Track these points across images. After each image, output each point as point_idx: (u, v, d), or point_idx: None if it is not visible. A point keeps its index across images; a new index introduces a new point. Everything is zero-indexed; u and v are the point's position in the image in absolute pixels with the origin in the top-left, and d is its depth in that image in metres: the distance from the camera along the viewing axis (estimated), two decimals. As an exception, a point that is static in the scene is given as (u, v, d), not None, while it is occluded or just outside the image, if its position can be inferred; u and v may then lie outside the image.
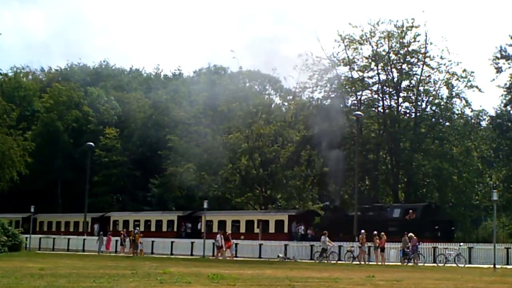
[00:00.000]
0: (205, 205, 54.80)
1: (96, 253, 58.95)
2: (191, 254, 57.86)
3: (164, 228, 67.61)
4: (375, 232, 47.18)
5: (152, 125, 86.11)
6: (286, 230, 59.11)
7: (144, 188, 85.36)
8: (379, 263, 44.88)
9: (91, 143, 71.41)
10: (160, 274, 23.69)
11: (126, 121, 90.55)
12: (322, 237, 48.84)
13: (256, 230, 61.07)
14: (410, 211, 51.94)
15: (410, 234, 45.19)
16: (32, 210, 67.28)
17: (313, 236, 57.07)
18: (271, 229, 60.46)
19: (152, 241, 62.27)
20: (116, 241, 62.18)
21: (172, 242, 61.54)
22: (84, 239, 65.90)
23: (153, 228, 68.29)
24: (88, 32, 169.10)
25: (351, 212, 57.10)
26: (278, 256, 50.91)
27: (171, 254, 58.90)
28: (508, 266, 40.85)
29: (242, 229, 61.86)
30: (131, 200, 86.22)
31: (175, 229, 66.37)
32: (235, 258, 51.54)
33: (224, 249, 51.64)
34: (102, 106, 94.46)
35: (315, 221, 61.68)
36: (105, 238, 61.74)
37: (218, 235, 52.06)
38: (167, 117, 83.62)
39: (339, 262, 47.17)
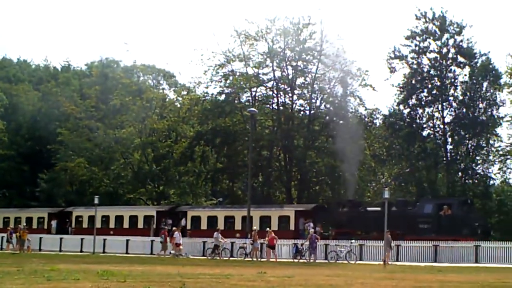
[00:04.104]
0: (96, 201, 54.12)
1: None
2: (81, 251, 56.77)
3: (140, 225, 61.40)
4: (268, 229, 47.11)
5: (42, 118, 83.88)
6: (292, 227, 53.22)
7: (32, 183, 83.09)
8: (272, 260, 44.77)
9: (-25, 136, 68.80)
10: (47, 271, 23.06)
11: (13, 113, 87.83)
12: (215, 233, 48.54)
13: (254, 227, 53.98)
14: (445, 206, 46.36)
15: (313, 230, 45.19)
16: None
17: (322, 233, 51.80)
18: (274, 226, 52.93)
19: (40, 238, 60.58)
20: (2, 237, 60.13)
21: (61, 239, 60.17)
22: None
23: (126, 225, 61.93)
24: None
25: (369, 207, 52.43)
26: (170, 253, 50.27)
27: (60, 251, 57.57)
28: (398, 263, 41.59)
29: (238, 226, 55.73)
30: (18, 196, 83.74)
31: (154, 226, 59.34)
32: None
33: (181, 246, 49.85)
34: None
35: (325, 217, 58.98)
36: None
37: (176, 232, 49.69)
38: (57, 110, 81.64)
39: (231, 258, 46.97)
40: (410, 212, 47.62)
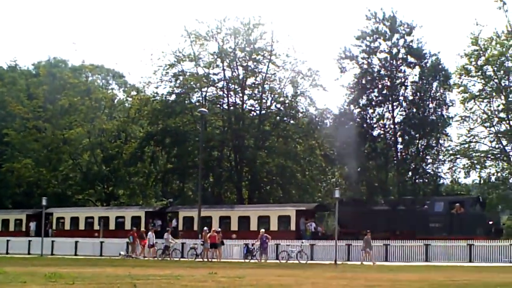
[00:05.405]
0: (44, 202, 53.47)
1: None
2: (28, 253, 55.90)
3: (128, 226, 57.59)
4: (213, 229, 46.85)
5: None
6: (293, 227, 51.04)
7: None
8: (221, 260, 44.46)
9: None
10: (-7, 275, 22.44)
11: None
12: (165, 234, 48.23)
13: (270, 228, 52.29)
14: (457, 204, 44.65)
15: (262, 230, 45.09)
16: None
17: (324, 233, 51.58)
18: (273, 226, 51.35)
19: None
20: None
21: (7, 241, 59.04)
22: None
23: (112, 227, 59.03)
24: None
25: (375, 206, 50.72)
26: (120, 254, 49.76)
27: (7, 253, 56.63)
28: (349, 262, 41.79)
29: (234, 227, 53.39)
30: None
31: (142, 228, 54.97)
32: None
33: (156, 247, 48.83)
34: None
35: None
36: None
37: (150, 233, 49.14)
38: (4, 110, 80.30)
39: (182, 259, 46.64)
40: (419, 211, 46.18)
